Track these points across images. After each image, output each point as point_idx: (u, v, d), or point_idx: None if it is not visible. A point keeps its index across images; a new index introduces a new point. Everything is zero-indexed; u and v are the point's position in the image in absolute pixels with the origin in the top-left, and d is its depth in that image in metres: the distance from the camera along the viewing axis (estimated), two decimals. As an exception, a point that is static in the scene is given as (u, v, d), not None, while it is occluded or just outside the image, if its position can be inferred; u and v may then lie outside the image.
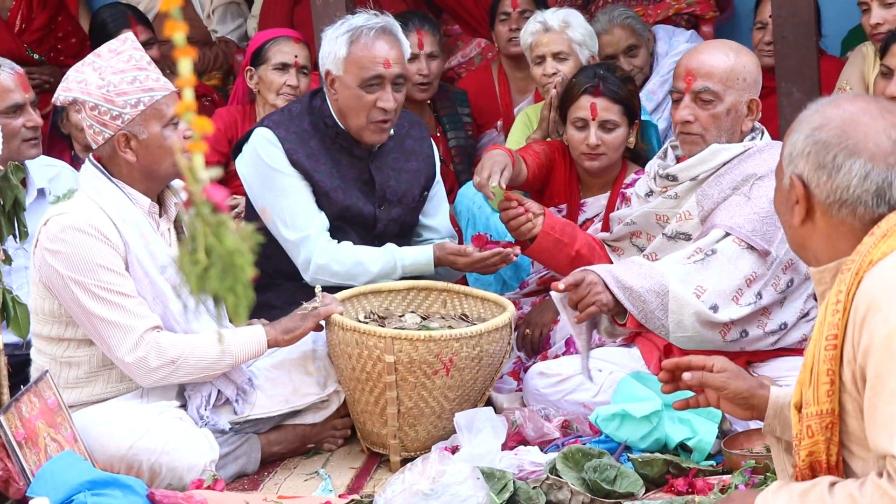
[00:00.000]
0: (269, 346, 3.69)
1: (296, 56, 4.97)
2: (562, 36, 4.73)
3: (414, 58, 5.13)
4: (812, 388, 2.34)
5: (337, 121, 4.12)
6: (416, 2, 6.29)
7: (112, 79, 3.51)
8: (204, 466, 3.56)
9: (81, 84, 3.53)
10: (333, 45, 4.04)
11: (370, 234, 4.17)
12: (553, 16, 4.79)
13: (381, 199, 4.18)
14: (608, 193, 4.28)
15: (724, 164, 3.66)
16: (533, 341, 4.19)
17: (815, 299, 3.73)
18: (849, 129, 2.33)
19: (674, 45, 5.56)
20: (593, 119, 4.16)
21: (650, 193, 3.87)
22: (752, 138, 3.71)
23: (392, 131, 4.18)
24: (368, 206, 4.16)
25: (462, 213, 4.74)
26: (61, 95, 3.60)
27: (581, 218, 4.31)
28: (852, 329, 2.28)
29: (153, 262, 3.57)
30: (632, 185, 4.16)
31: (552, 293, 3.54)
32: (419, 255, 4.09)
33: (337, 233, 4.14)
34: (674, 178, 3.75)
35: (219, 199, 1.34)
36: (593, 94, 4.17)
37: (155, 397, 3.64)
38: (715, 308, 3.53)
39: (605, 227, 4.19)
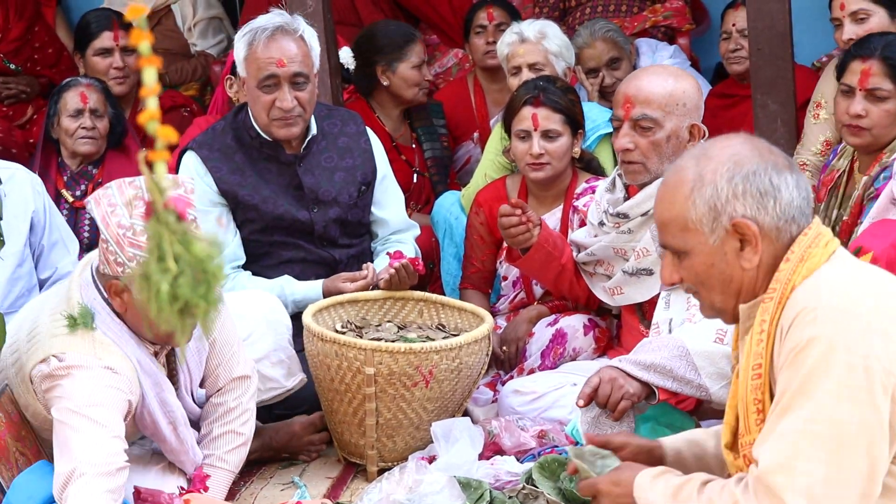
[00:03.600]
0: None
1: None
2: (538, 47, 4.76)
3: (421, 64, 5.18)
4: (743, 419, 2.37)
5: (259, 131, 4.11)
6: (394, 12, 6.31)
7: (136, 223, 3.11)
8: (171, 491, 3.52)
9: (111, 210, 3.14)
10: (236, 47, 4.07)
11: (311, 237, 4.17)
12: (529, 27, 4.82)
13: (313, 201, 4.16)
14: (562, 206, 4.29)
15: None
16: (510, 358, 4.20)
17: None
18: (760, 153, 2.38)
19: (657, 59, 5.58)
20: (535, 129, 4.18)
21: (602, 224, 3.86)
22: None
23: (315, 129, 4.17)
24: (302, 210, 4.15)
25: (439, 224, 4.76)
26: (90, 203, 3.20)
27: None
28: (779, 343, 2.30)
29: (161, 409, 3.35)
30: (584, 194, 4.18)
31: (578, 409, 3.43)
32: (309, 290, 4.09)
33: (278, 244, 4.15)
34: (625, 216, 3.74)
35: (181, 208, 1.34)
36: (534, 105, 4.19)
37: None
38: None
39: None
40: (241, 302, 3.79)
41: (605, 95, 5.17)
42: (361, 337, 3.84)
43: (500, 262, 4.39)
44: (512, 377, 4.12)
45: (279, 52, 4.00)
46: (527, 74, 4.69)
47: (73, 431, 3.11)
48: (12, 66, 5.96)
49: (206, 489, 3.42)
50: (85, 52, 5.52)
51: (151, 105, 1.28)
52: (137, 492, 3.36)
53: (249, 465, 3.84)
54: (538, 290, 4.33)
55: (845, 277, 2.33)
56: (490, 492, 3.33)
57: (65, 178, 4.91)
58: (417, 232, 4.43)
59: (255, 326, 3.81)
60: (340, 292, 4.04)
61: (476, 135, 5.49)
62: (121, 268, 3.14)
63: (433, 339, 3.82)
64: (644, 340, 3.57)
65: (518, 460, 3.62)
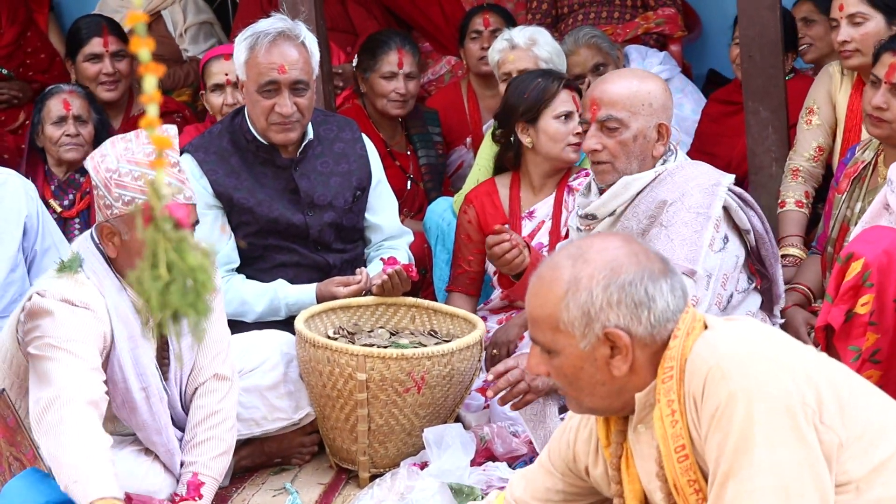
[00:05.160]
0: None
1: (226, 74, 4.96)
2: (528, 53, 4.77)
3: (392, 76, 5.17)
4: (682, 500, 2.36)
5: (256, 135, 4.12)
6: (387, 20, 6.32)
7: (122, 167, 3.30)
8: (166, 495, 3.51)
9: (102, 158, 3.34)
10: (237, 50, 4.06)
11: (305, 241, 4.17)
12: (520, 34, 4.83)
13: (308, 205, 4.16)
14: (555, 193, 4.31)
15: (638, 194, 3.63)
16: (501, 359, 4.20)
17: (763, 310, 3.76)
18: (637, 261, 2.34)
19: (647, 66, 5.59)
20: (577, 109, 4.22)
21: (580, 230, 3.88)
22: (665, 161, 3.67)
23: (312, 134, 4.17)
24: (297, 214, 4.15)
25: (431, 230, 4.76)
26: (87, 165, 3.40)
27: (531, 224, 4.34)
28: (693, 414, 2.29)
29: (134, 367, 3.42)
30: (578, 177, 4.24)
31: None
32: (302, 294, 4.08)
33: (272, 246, 4.15)
34: (594, 217, 3.73)
35: (180, 215, 1.35)
36: (570, 89, 4.25)
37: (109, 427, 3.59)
38: None
39: (556, 228, 4.22)
40: (261, 334, 3.89)
41: (593, 101, 5.18)
42: (353, 343, 3.84)
43: None
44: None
45: (280, 57, 4.00)
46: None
47: (52, 363, 3.22)
48: (4, 72, 5.95)
49: (200, 496, 3.42)
50: (76, 58, 5.52)
51: (152, 112, 1.28)
52: (129, 498, 3.35)
53: (241, 472, 3.85)
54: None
55: (729, 330, 2.35)
56: (482, 498, 3.33)
57: (52, 187, 4.89)
58: (411, 238, 4.43)
59: (269, 355, 3.85)
60: (334, 297, 4.04)
61: (469, 140, 5.50)
62: (108, 210, 3.32)
63: (425, 345, 3.82)
64: None
65: (510, 466, 3.62)
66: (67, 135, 4.83)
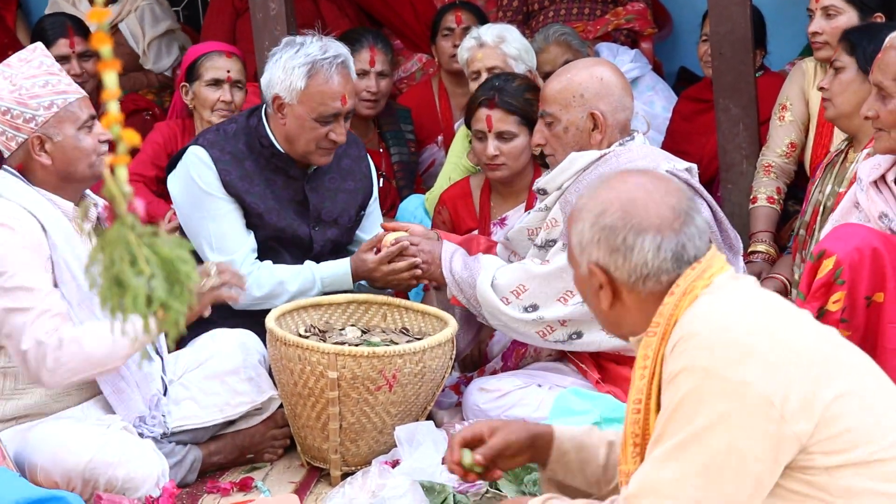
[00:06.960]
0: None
1: (228, 71, 4.92)
2: (496, 51, 4.79)
3: (364, 74, 5.15)
4: (622, 449, 2.40)
5: (274, 142, 4.09)
6: (359, 18, 6.31)
7: (24, 83, 3.51)
8: (157, 476, 3.52)
9: None
10: (290, 74, 3.99)
11: (307, 254, 4.16)
12: (488, 31, 4.85)
13: (315, 219, 4.17)
14: (524, 203, 4.33)
15: (584, 170, 3.70)
16: (472, 358, 4.21)
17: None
18: (630, 209, 2.36)
19: (618, 63, 5.60)
20: (489, 131, 4.25)
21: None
22: (622, 143, 3.73)
23: None
24: (304, 226, 4.15)
25: (403, 227, 4.76)
26: None
27: (503, 232, 4.36)
28: (659, 377, 2.32)
29: (80, 265, 3.51)
30: None
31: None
32: (337, 267, 4.09)
33: (272, 254, 4.13)
34: (544, 192, 3.81)
35: (142, 211, 1.34)
36: (489, 107, 4.26)
37: (95, 412, 3.61)
38: (533, 307, 3.66)
39: None
40: (219, 330, 3.92)
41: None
42: (325, 341, 3.84)
43: None
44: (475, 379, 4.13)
45: (342, 88, 4.01)
46: (485, 79, 4.71)
47: (18, 314, 3.40)
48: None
49: None
50: None
51: (113, 108, 1.27)
52: (98, 497, 3.34)
53: (212, 469, 3.83)
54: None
55: (722, 303, 2.32)
56: (454, 496, 3.34)
57: None
58: None
59: (224, 343, 3.87)
60: (365, 264, 4.04)
61: (440, 138, 5.50)
62: (31, 123, 3.51)
63: (397, 343, 3.82)
64: (487, 255, 3.92)
65: (482, 464, 3.62)
66: None
